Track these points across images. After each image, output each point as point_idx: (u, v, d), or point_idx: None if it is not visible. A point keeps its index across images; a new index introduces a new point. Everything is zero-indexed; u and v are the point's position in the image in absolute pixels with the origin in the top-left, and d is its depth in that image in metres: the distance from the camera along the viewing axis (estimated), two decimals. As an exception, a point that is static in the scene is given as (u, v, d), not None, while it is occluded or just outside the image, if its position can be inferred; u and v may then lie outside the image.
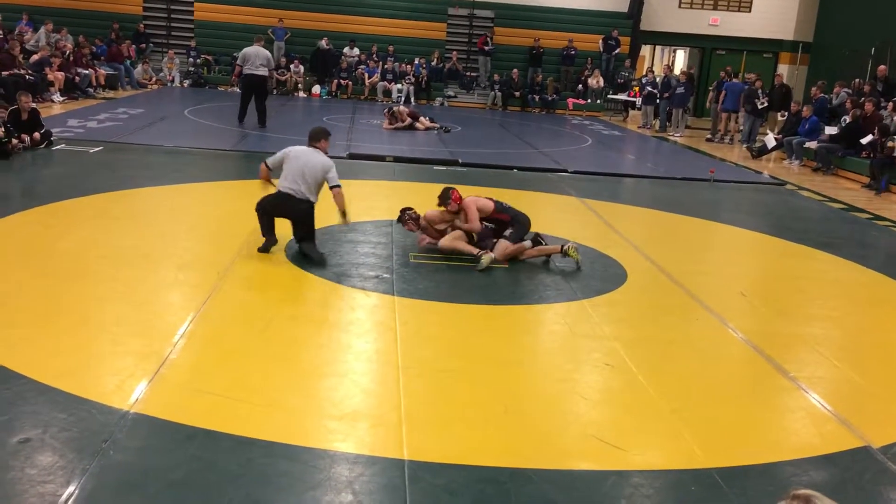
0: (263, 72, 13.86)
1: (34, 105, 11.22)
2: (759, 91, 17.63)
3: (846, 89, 16.82)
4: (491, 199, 7.00)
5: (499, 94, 21.87)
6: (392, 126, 15.46)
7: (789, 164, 15.18)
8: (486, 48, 22.38)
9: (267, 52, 14.01)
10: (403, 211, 7.08)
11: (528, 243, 6.89)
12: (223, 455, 3.47)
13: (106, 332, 4.79)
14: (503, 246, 6.75)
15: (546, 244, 6.96)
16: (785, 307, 6.39)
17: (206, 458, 3.44)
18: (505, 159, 12.90)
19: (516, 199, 9.79)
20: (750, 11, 24.03)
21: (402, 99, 20.98)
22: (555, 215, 9.23)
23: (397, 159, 12.19)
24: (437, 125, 15.97)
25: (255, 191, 9.21)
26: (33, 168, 9.76)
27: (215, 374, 4.28)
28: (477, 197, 7.02)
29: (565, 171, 12.24)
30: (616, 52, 22.84)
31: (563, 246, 6.84)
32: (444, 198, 6.89)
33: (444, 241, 6.78)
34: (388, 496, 3.27)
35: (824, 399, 4.54)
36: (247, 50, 13.81)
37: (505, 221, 6.92)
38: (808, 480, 3.67)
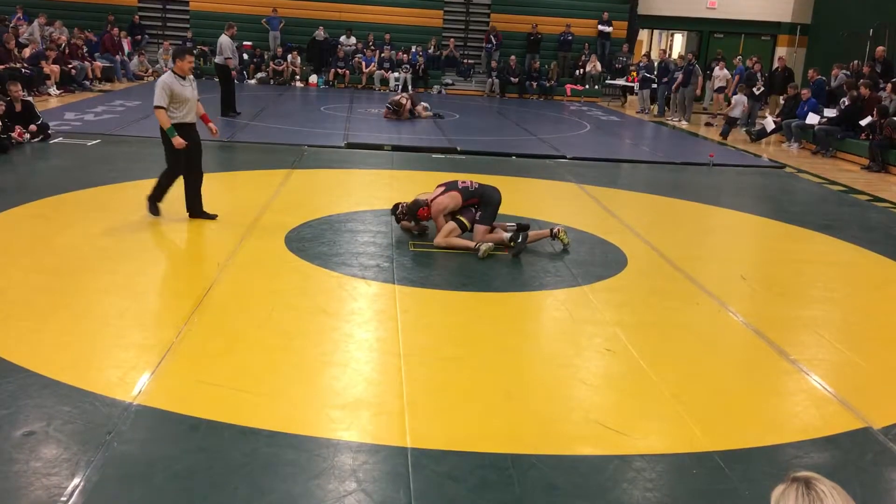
0: (219, 60, 14.00)
1: (27, 96, 11.19)
2: (758, 75, 17.58)
3: (845, 71, 16.77)
4: (457, 190, 6.81)
5: (496, 81, 21.82)
6: (394, 117, 15.37)
7: (788, 147, 15.16)
8: (494, 43, 22.21)
9: (221, 40, 13.97)
10: (398, 211, 7.05)
11: (506, 235, 6.77)
12: (227, 445, 3.49)
13: (108, 324, 4.80)
14: (480, 231, 6.72)
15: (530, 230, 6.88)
16: (785, 290, 6.40)
17: (211, 449, 3.45)
18: (503, 146, 12.89)
19: (515, 185, 9.83)
20: (748, -6, 23.94)
21: (400, 87, 20.93)
22: (554, 202, 9.22)
23: (395, 148, 12.18)
24: (432, 112, 15.95)
25: (249, 182, 9.25)
26: (31, 162, 9.75)
27: (218, 365, 4.29)
28: (442, 196, 6.80)
29: (564, 157, 12.23)
30: (609, 31, 22.72)
31: (552, 230, 6.86)
32: (413, 216, 6.86)
33: (439, 240, 6.71)
34: (392, 483, 3.28)
35: (825, 381, 4.56)
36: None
37: (477, 204, 6.86)
38: (809, 462, 3.69)
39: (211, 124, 7.30)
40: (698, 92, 18.36)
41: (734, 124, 16.04)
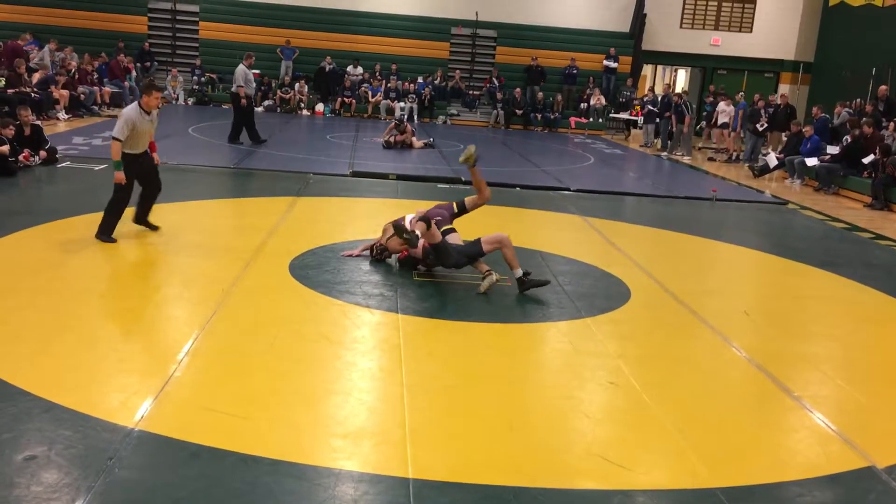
0: (233, 88, 14.18)
1: (36, 120, 11.30)
2: (761, 111, 17.72)
3: (847, 109, 16.90)
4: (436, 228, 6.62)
5: (501, 112, 21.99)
6: (391, 137, 15.51)
7: (791, 184, 15.22)
8: (497, 84, 22.39)
9: (237, 69, 14.14)
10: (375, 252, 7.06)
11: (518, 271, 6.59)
12: (228, 473, 3.48)
13: (111, 349, 4.80)
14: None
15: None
16: (788, 326, 6.40)
17: (212, 476, 3.44)
18: (508, 177, 12.94)
19: (519, 216, 9.86)
20: (751, 31, 24.21)
21: (405, 117, 21.10)
22: (557, 233, 9.25)
23: (400, 177, 12.24)
24: (427, 142, 16.17)
25: (255, 208, 9.29)
26: (39, 185, 9.81)
27: (220, 392, 4.29)
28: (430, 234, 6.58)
29: (568, 189, 12.29)
30: (615, 67, 22.96)
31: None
32: (411, 244, 6.65)
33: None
34: (393, 515, 3.27)
35: (828, 418, 4.54)
36: None
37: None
38: (812, 501, 3.67)
39: (155, 154, 7.47)
40: (685, 130, 18.48)
41: (767, 170, 15.96)
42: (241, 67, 14.05)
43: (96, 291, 5.80)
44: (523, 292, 6.48)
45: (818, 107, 17.28)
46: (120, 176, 6.97)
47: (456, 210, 6.95)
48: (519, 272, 6.49)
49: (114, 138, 6.91)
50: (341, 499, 3.35)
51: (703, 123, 20.49)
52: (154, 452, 3.63)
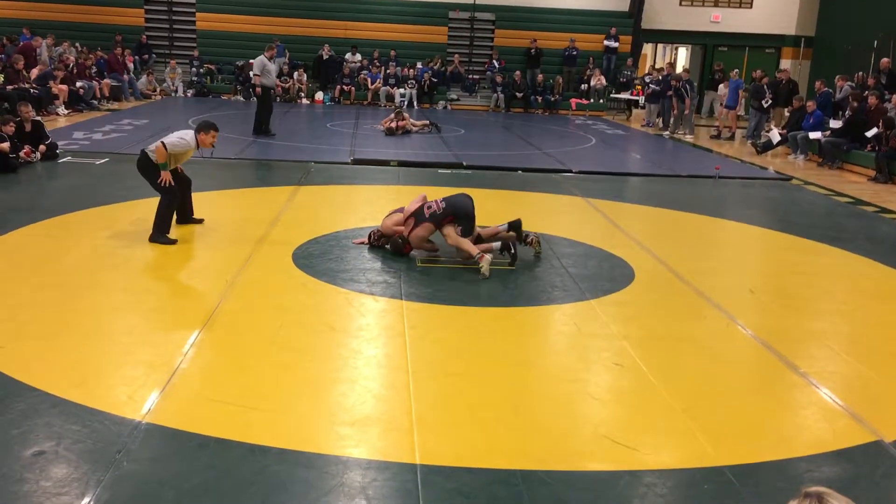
0: (255, 80, 14.07)
1: (37, 116, 11.29)
2: (765, 87, 17.61)
3: (849, 83, 16.78)
4: (426, 221, 6.73)
5: (501, 95, 21.90)
6: (391, 124, 15.47)
7: (794, 159, 15.15)
8: (497, 67, 22.30)
9: (257, 60, 13.99)
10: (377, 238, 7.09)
11: (495, 245, 6.78)
12: (236, 463, 3.49)
13: (116, 343, 4.81)
14: (460, 241, 6.69)
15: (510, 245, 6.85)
16: (794, 303, 6.38)
17: (220, 467, 3.45)
18: (509, 161, 12.92)
19: (521, 199, 9.84)
20: (751, 7, 24.02)
21: (405, 103, 21.05)
22: (560, 216, 9.23)
23: (402, 163, 12.22)
24: (427, 124, 16.11)
25: (256, 198, 9.28)
26: (40, 181, 9.81)
27: (226, 383, 4.30)
28: (417, 230, 6.76)
29: (570, 171, 12.25)
30: (616, 47, 22.83)
31: (526, 238, 7.07)
32: (398, 251, 6.90)
33: (451, 242, 6.72)
34: (402, 501, 3.28)
35: (836, 394, 4.53)
36: None
37: (453, 219, 6.74)
38: (820, 476, 3.67)
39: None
40: (686, 111, 18.38)
41: (770, 147, 15.90)
42: (259, 58, 13.94)
43: (100, 286, 5.81)
44: (513, 262, 6.71)
45: (820, 81, 17.17)
46: (167, 175, 6.97)
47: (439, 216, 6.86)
48: (498, 244, 6.79)
49: (163, 143, 6.89)
50: (350, 486, 3.36)
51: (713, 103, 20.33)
52: (162, 445, 3.64)
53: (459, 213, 6.74)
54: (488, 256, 6.48)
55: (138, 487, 3.28)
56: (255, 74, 13.92)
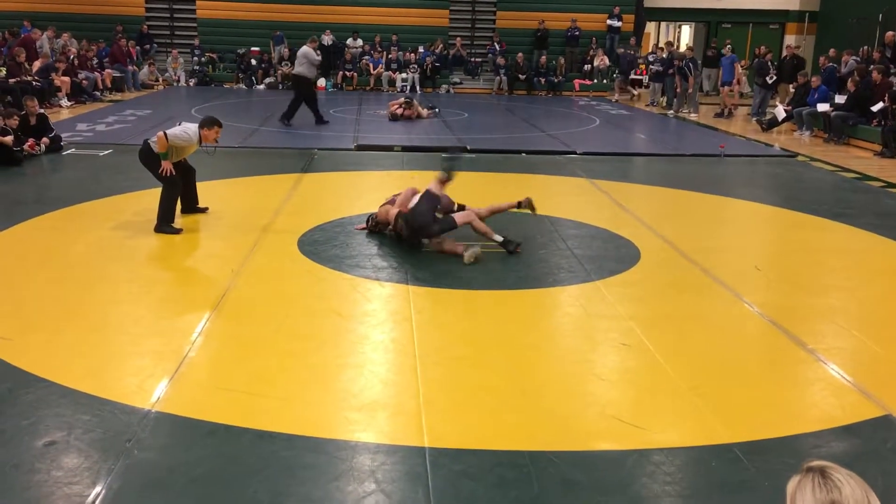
0: (296, 70, 14.11)
1: (41, 110, 11.30)
2: (769, 63, 17.47)
3: (855, 57, 16.64)
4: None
5: (504, 78, 21.80)
6: (399, 109, 15.42)
7: (800, 136, 15.06)
8: (498, 49, 22.19)
9: (303, 50, 14.01)
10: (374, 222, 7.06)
11: (497, 238, 6.65)
12: (245, 449, 3.51)
13: (124, 333, 4.83)
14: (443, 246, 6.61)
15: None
16: (801, 280, 6.36)
17: (229, 454, 3.48)
18: (513, 144, 12.88)
19: (525, 182, 9.81)
20: (754, -18, 23.80)
21: (408, 88, 20.97)
22: (565, 198, 9.20)
23: (405, 149, 12.19)
24: (431, 108, 16.08)
25: (261, 186, 9.28)
26: (45, 173, 9.83)
27: (234, 371, 4.31)
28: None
29: (574, 152, 12.20)
30: (619, 26, 22.69)
31: (519, 202, 7.11)
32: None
33: (434, 245, 6.64)
34: (411, 483, 3.29)
35: (843, 370, 4.53)
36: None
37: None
38: (828, 452, 3.67)
39: None
40: (690, 89, 18.25)
41: (775, 123, 15.83)
42: (307, 49, 13.98)
43: (106, 277, 5.83)
44: (514, 251, 6.57)
45: (825, 57, 17.03)
46: (168, 165, 6.96)
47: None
48: (498, 238, 6.60)
49: (165, 134, 6.89)
50: (359, 470, 3.38)
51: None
52: (171, 433, 3.67)
53: (419, 233, 6.60)
54: (477, 249, 6.36)
55: (149, 475, 3.30)
56: (299, 66, 13.91)
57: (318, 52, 14.59)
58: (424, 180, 7.20)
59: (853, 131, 14.14)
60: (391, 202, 7.05)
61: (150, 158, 7.05)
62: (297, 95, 14.15)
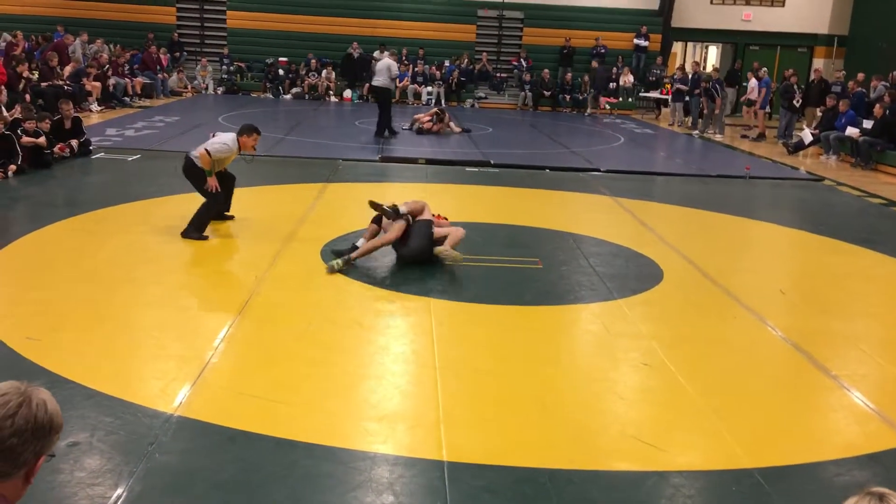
0: (379, 82, 14.26)
1: (76, 113, 11.46)
2: (795, 87, 17.38)
3: (884, 82, 16.51)
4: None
5: (529, 94, 21.84)
6: (428, 123, 15.45)
7: (826, 160, 14.95)
8: (524, 66, 22.28)
9: (386, 62, 14.27)
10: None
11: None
12: (266, 457, 3.53)
13: (149, 336, 4.88)
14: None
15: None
16: (826, 305, 6.31)
17: (250, 460, 3.50)
18: (537, 159, 12.89)
19: (549, 198, 9.81)
20: (783, 6, 23.70)
21: (433, 101, 21.06)
22: (588, 215, 9.20)
23: (429, 161, 12.22)
24: (466, 130, 16.09)
25: (285, 195, 9.35)
26: (75, 176, 9.96)
27: (256, 377, 4.34)
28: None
29: (598, 170, 12.19)
30: (646, 45, 22.68)
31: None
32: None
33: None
34: (429, 497, 3.29)
35: (867, 397, 4.48)
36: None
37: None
38: (850, 480, 3.63)
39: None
40: (717, 111, 18.16)
41: (801, 147, 15.72)
42: (389, 62, 14.26)
43: (133, 280, 5.89)
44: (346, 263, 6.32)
45: (853, 81, 16.91)
46: (213, 182, 7.09)
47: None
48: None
49: (206, 150, 7.04)
50: (377, 481, 3.39)
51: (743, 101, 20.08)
52: (193, 437, 3.70)
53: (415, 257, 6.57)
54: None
55: (170, 479, 3.33)
56: (380, 76, 14.08)
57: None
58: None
59: (881, 157, 14.01)
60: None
61: (193, 173, 7.14)
62: (382, 106, 14.36)
